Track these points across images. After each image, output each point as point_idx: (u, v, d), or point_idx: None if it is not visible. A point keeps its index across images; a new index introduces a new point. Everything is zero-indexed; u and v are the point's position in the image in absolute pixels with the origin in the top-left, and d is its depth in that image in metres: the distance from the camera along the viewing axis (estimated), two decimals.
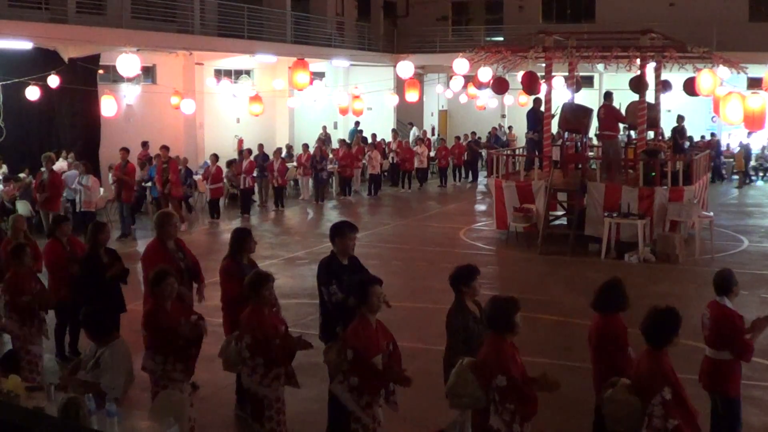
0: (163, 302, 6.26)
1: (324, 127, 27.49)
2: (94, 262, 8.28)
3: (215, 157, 19.23)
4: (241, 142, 24.55)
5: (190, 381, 7.66)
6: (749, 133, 26.48)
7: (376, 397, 5.61)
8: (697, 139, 26.67)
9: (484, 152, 27.82)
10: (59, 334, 9.18)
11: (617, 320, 5.99)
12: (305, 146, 23.38)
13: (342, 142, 24.48)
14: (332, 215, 20.53)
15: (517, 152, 21.47)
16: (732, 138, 29.03)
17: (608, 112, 16.40)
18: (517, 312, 5.27)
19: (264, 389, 6.04)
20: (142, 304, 8.01)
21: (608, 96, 16.69)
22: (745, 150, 26.52)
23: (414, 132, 30.20)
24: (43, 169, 15.71)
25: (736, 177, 26.54)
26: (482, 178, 26.58)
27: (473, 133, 28.85)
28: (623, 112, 17.04)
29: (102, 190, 18.07)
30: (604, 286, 6.10)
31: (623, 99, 17.42)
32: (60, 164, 19.13)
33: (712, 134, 28.00)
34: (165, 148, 18.05)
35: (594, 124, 17.21)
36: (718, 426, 6.30)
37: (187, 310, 6.69)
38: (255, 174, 20.51)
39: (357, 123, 29.54)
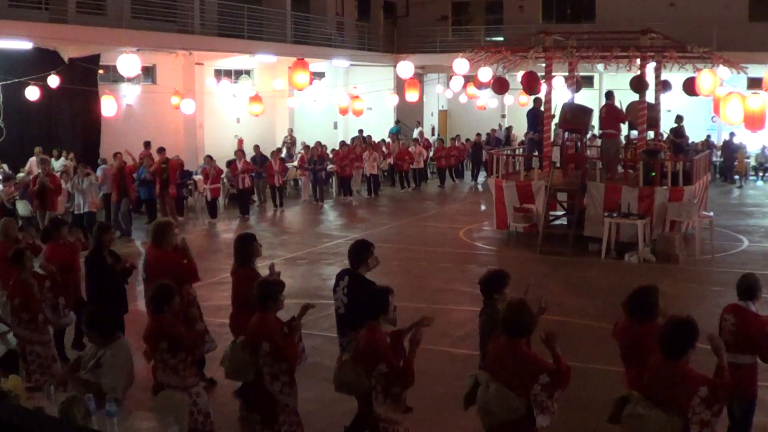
0: (171, 319, 6.20)
1: (290, 130, 26.83)
2: (98, 262, 8.27)
3: (210, 159, 19.23)
4: (241, 142, 24.54)
5: (208, 377, 7.61)
6: (731, 133, 26.51)
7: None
8: (697, 139, 26.62)
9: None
10: (59, 334, 9.18)
11: (654, 327, 5.62)
12: (306, 146, 23.36)
13: (342, 143, 24.43)
14: (332, 216, 20.54)
15: (516, 152, 21.46)
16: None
17: (609, 111, 16.41)
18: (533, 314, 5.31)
19: (286, 398, 5.97)
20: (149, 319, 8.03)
21: (610, 95, 16.69)
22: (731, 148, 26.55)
23: (415, 131, 30.26)
24: (30, 166, 15.71)
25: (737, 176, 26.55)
26: (481, 178, 26.62)
27: (478, 135, 28.83)
28: (625, 111, 17.04)
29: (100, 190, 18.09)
30: (641, 293, 5.80)
31: (623, 99, 17.43)
32: (59, 164, 19.20)
33: (731, 134, 27.77)
34: (162, 151, 18.07)
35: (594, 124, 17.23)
36: (731, 428, 6.23)
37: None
38: (253, 174, 20.50)
39: (398, 121, 29.71)
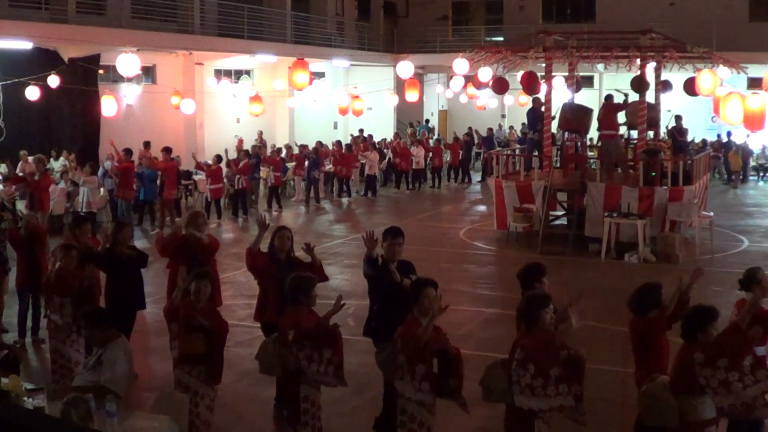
0: (196, 303, 6.24)
1: (260, 133, 25.76)
2: (115, 260, 8.22)
3: (218, 158, 19.12)
4: (241, 141, 24.54)
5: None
6: (728, 132, 26.52)
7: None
8: (697, 139, 26.62)
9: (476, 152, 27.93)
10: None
11: (654, 321, 5.97)
12: (301, 147, 23.30)
13: (337, 143, 24.29)
14: (331, 216, 20.53)
15: (515, 152, 21.43)
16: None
17: (607, 110, 16.38)
18: (544, 307, 5.41)
19: (327, 378, 5.92)
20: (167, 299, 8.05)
21: (609, 98, 16.66)
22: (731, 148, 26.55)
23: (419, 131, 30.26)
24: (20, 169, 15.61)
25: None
26: (477, 179, 26.64)
27: (466, 135, 28.73)
28: (624, 111, 17.03)
29: (102, 190, 18.07)
30: (642, 289, 6.11)
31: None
32: (58, 164, 19.20)
33: (728, 133, 27.76)
34: (168, 151, 17.91)
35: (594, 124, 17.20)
36: (738, 424, 6.24)
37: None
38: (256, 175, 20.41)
39: (427, 121, 30.32)
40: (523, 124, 31.60)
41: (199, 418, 6.14)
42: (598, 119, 16.62)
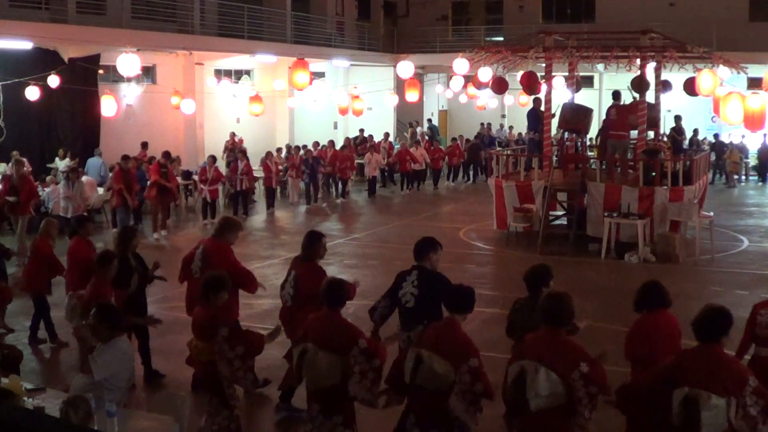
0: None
1: (232, 134, 24.64)
2: (122, 266, 8.11)
3: (213, 159, 19.08)
4: (240, 141, 24.52)
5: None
6: (715, 134, 26.51)
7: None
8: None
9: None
10: None
11: (665, 315, 5.92)
12: (297, 148, 23.26)
13: (330, 143, 24.14)
14: (331, 216, 20.53)
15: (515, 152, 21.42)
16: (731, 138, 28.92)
17: (621, 113, 16.24)
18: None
19: (371, 397, 5.80)
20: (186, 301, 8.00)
21: (617, 96, 16.54)
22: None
23: (418, 131, 30.26)
24: (8, 171, 15.43)
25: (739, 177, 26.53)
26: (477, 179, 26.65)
27: (477, 136, 28.75)
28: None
29: (101, 190, 18.04)
30: (645, 287, 6.07)
31: (624, 99, 17.42)
32: (63, 164, 19.17)
33: (715, 135, 27.71)
34: (166, 155, 17.76)
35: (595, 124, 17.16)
36: None
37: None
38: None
39: (429, 120, 30.47)
40: (510, 127, 31.84)
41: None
42: (610, 119, 16.41)
